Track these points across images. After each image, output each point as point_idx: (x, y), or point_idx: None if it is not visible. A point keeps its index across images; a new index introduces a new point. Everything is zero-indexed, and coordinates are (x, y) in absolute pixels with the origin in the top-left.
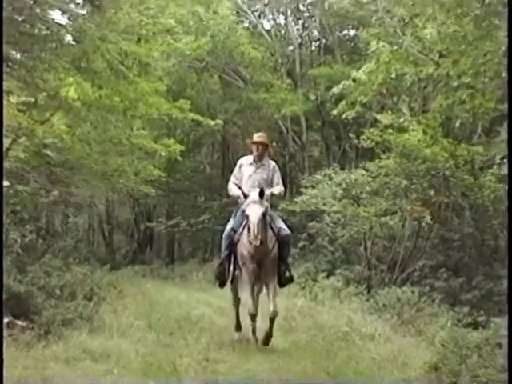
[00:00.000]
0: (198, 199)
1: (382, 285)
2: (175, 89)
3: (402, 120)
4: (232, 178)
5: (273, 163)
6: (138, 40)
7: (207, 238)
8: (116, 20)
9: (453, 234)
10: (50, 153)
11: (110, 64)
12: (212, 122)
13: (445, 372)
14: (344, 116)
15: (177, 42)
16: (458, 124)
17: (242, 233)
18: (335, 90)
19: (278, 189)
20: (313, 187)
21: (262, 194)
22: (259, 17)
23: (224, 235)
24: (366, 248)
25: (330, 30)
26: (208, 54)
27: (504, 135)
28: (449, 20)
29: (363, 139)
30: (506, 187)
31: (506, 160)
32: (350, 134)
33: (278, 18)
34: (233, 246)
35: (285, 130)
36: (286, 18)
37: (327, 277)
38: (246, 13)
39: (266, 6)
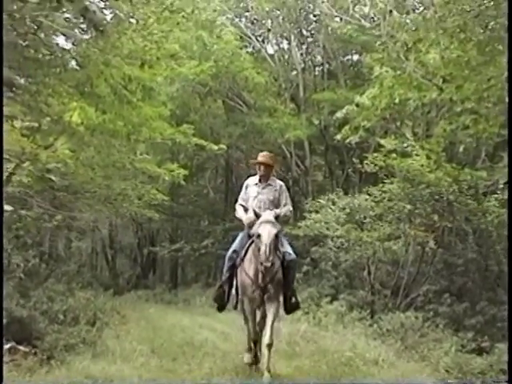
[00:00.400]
0: (202, 223)
1: (386, 310)
2: (179, 113)
3: (405, 145)
4: (239, 200)
5: (280, 183)
6: (142, 65)
7: (210, 262)
8: (119, 45)
9: (456, 258)
10: (53, 177)
11: (114, 89)
12: (215, 147)
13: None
14: (347, 141)
15: (180, 66)
16: (461, 149)
17: (244, 257)
18: (339, 114)
19: (284, 210)
20: (316, 212)
21: (276, 216)
22: (263, 42)
23: (226, 257)
24: (369, 273)
25: (333, 54)
26: (212, 78)
27: (507, 160)
28: (452, 45)
29: (366, 164)
30: (507, 211)
31: (504, 186)
32: (354, 159)
33: (281, 42)
34: (234, 268)
35: (288, 155)
36: (289, 43)
37: (331, 302)
38: (249, 38)
39: (269, 31)
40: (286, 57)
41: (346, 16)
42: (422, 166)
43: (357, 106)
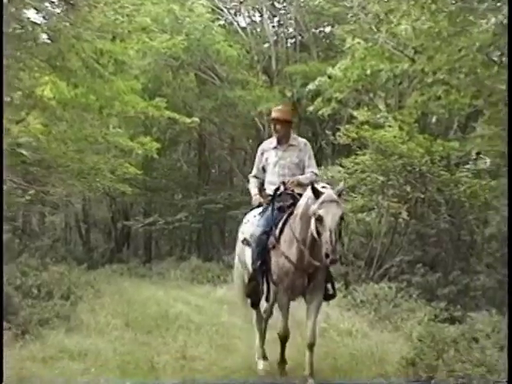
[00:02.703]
0: (175, 197)
1: (360, 281)
2: (151, 87)
3: (378, 116)
4: (254, 170)
5: (303, 141)
6: (113, 38)
7: (184, 235)
8: (91, 18)
9: (429, 229)
10: (25, 152)
11: (86, 63)
12: (188, 120)
13: (422, 367)
14: (320, 113)
15: (152, 40)
16: (434, 120)
17: (279, 237)
18: (311, 86)
19: (309, 176)
20: None
21: (340, 192)
22: (235, 14)
23: (253, 239)
24: (343, 244)
25: (305, 26)
26: (183, 51)
27: (480, 131)
28: (423, 16)
29: (339, 136)
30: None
31: (481, 155)
32: (326, 131)
33: (253, 15)
34: (266, 253)
35: (261, 127)
36: (261, 16)
37: None
38: (221, 10)
39: (241, 3)
40: (259, 29)
41: None
42: (395, 137)
43: (329, 77)
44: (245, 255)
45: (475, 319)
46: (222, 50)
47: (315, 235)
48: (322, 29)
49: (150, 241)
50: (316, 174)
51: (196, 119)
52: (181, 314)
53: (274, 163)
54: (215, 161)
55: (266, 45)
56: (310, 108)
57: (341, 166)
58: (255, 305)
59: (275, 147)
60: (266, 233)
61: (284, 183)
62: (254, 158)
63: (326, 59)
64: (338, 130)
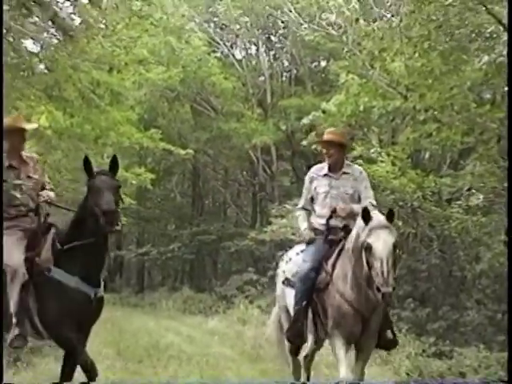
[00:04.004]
0: (168, 227)
1: None
2: (146, 118)
3: (371, 151)
4: (301, 201)
5: (359, 169)
6: (110, 70)
7: (177, 266)
8: (88, 50)
9: (420, 264)
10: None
11: (82, 93)
12: (183, 152)
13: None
14: (313, 147)
15: (148, 72)
16: (427, 156)
17: (332, 274)
18: (305, 120)
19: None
20: (282, 217)
21: (391, 215)
22: (231, 47)
23: (298, 277)
24: (395, 280)
25: (300, 61)
26: (179, 83)
27: (471, 168)
28: (416, 54)
29: None
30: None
31: (474, 191)
32: None
33: (249, 48)
34: (313, 293)
35: (255, 160)
36: (257, 49)
37: None
38: (217, 43)
39: (237, 37)
40: (254, 62)
41: (313, 24)
42: (387, 172)
43: (323, 112)
44: (285, 297)
45: (463, 354)
46: (218, 82)
47: (365, 268)
48: (317, 63)
49: (143, 271)
50: (373, 206)
51: (191, 151)
52: (172, 344)
53: (324, 193)
54: (209, 192)
55: (262, 78)
56: (304, 142)
57: None
58: (296, 351)
59: (326, 174)
60: (315, 269)
61: (335, 210)
62: (248, 190)
63: (321, 94)
64: None
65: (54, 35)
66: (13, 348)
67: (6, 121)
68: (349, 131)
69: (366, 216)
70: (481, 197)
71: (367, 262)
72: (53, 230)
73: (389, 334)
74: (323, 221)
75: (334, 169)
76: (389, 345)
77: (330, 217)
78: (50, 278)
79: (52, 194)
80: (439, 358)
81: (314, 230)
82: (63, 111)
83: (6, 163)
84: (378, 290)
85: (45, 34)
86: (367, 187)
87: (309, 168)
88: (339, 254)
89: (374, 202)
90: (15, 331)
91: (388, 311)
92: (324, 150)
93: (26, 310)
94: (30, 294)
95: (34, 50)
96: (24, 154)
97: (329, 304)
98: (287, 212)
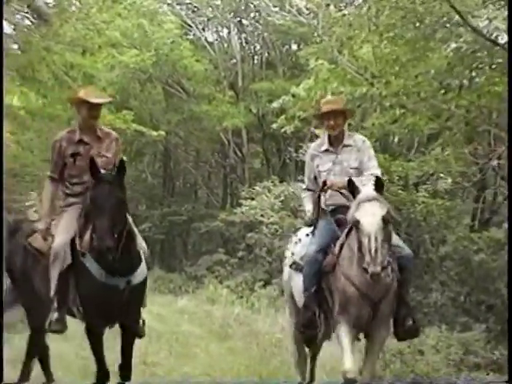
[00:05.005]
0: (139, 208)
1: None
2: (118, 99)
3: None
4: (305, 182)
5: (361, 138)
6: (84, 52)
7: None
8: (62, 33)
9: None
10: None
11: (55, 74)
12: (155, 133)
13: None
14: (283, 130)
15: (121, 55)
16: (396, 140)
17: (339, 255)
18: (275, 104)
19: (364, 179)
20: (252, 199)
21: (379, 184)
22: (203, 29)
23: (306, 260)
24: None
25: (272, 44)
26: (152, 65)
27: (435, 153)
28: (383, 42)
29: (301, 153)
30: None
31: (440, 175)
32: (289, 148)
33: (221, 31)
34: (322, 275)
35: (226, 142)
36: (229, 32)
37: (264, 286)
38: (189, 26)
39: (209, 20)
40: (226, 45)
41: (283, 11)
42: None
43: (293, 96)
44: (293, 283)
45: (425, 334)
46: (190, 65)
47: (357, 246)
48: (288, 47)
49: None
50: (377, 177)
51: (162, 133)
52: (142, 321)
53: (327, 171)
54: (180, 173)
55: (233, 61)
56: (274, 125)
57: (302, 182)
58: (311, 342)
59: (327, 150)
60: (323, 251)
61: (325, 183)
62: (219, 172)
63: (292, 77)
64: (301, 147)
65: (28, 18)
66: (51, 332)
67: (77, 93)
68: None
69: (352, 188)
70: (449, 181)
71: (358, 241)
72: None
73: (409, 321)
74: (328, 199)
75: (336, 142)
76: (409, 333)
77: (322, 190)
78: (83, 263)
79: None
80: None
81: (322, 210)
82: (36, 92)
83: (76, 137)
84: (365, 269)
85: (18, 16)
86: (370, 157)
87: (279, 151)
88: (348, 234)
89: (378, 172)
90: (54, 315)
91: (406, 296)
92: (325, 123)
93: (66, 294)
94: (70, 277)
95: (7, 31)
96: (102, 130)
97: (334, 287)
98: (257, 194)
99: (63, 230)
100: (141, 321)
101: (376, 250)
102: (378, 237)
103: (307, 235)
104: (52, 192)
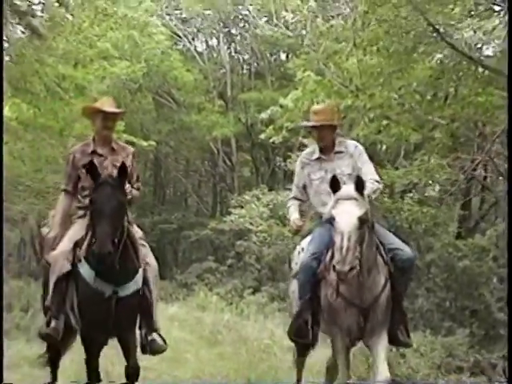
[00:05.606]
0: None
1: None
2: None
3: None
4: (293, 190)
5: (353, 143)
6: (76, 64)
7: None
8: (55, 46)
9: None
10: None
11: (47, 86)
12: (145, 143)
13: (353, 378)
14: (271, 140)
15: (113, 66)
16: (384, 148)
17: (330, 262)
18: (263, 115)
19: (368, 186)
20: (241, 207)
21: (360, 184)
22: (192, 39)
23: (300, 267)
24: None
25: (261, 54)
26: (142, 76)
27: (417, 162)
28: (367, 55)
29: (290, 162)
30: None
31: (429, 182)
32: (278, 157)
33: (210, 41)
34: (317, 282)
35: (216, 151)
36: (218, 42)
37: (253, 293)
38: (179, 36)
39: (198, 31)
40: (215, 55)
41: (270, 24)
42: None
43: (281, 107)
44: (292, 292)
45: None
46: (180, 75)
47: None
48: (276, 57)
49: None
50: (378, 182)
51: (153, 143)
52: None
53: (319, 179)
54: (170, 182)
55: (223, 71)
56: (262, 135)
57: (291, 190)
58: (304, 351)
59: (318, 158)
60: (318, 258)
61: (334, 176)
62: (208, 180)
63: (280, 88)
64: (290, 156)
65: (22, 32)
66: (42, 339)
67: (92, 104)
68: (336, 103)
69: (333, 185)
70: (437, 188)
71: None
72: None
73: (400, 333)
74: (322, 208)
75: (327, 150)
76: (399, 343)
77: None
78: (77, 271)
79: (136, 192)
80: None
81: (316, 214)
82: (28, 103)
83: (90, 149)
84: (333, 268)
85: (11, 28)
86: (365, 162)
87: (268, 160)
88: None
89: (377, 177)
90: (52, 323)
91: (400, 303)
92: (314, 134)
93: (63, 303)
94: (69, 285)
95: None
96: (117, 143)
97: (323, 295)
98: (246, 202)
99: (68, 239)
100: (154, 335)
101: (347, 249)
102: (352, 236)
103: (309, 243)
104: (65, 205)
